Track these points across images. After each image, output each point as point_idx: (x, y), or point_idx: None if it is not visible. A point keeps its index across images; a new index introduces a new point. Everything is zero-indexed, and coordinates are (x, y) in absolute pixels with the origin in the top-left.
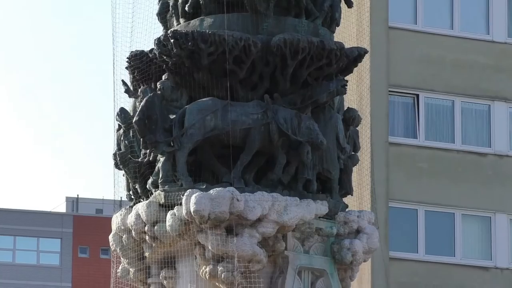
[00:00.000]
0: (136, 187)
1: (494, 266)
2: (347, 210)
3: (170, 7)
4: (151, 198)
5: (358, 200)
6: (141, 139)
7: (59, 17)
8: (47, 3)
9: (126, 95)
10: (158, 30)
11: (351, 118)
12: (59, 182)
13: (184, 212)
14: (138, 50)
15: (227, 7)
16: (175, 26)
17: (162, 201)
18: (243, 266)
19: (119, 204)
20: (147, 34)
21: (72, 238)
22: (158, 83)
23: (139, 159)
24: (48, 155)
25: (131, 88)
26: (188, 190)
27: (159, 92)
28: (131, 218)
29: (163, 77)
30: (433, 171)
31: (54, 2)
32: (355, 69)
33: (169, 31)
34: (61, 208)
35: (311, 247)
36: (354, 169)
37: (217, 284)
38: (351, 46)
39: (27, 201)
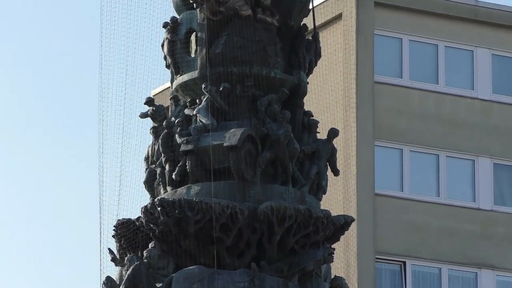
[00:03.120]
0: None
1: None
2: None
3: (157, 175)
4: None
5: None
6: None
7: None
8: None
9: (113, 263)
10: (145, 198)
11: (338, 287)
12: None
13: None
14: (125, 218)
15: (214, 175)
16: (162, 194)
17: None
18: None
19: None
20: (134, 202)
21: None
22: (144, 251)
23: None
24: None
25: (118, 256)
26: None
27: (145, 260)
28: None
29: (150, 245)
30: None
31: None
32: (342, 236)
33: (156, 199)
34: None
35: None
36: None
37: None
38: (337, 214)
39: None
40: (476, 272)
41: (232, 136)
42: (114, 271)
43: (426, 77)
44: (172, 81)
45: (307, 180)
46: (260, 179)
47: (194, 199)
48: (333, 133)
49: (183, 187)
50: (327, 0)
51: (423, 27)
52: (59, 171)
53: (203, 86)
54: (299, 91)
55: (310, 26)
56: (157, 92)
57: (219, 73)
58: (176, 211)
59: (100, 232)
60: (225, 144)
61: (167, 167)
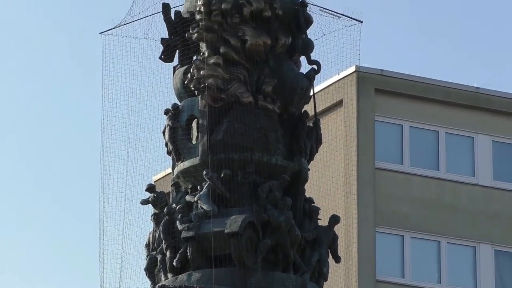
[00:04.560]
0: None
1: None
2: None
3: (158, 262)
4: None
5: None
6: None
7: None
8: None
9: None
10: (146, 285)
11: None
12: None
13: None
14: None
15: (215, 262)
16: (163, 281)
17: None
18: None
19: None
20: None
21: None
22: None
23: None
24: None
25: None
26: None
27: None
28: None
29: None
30: None
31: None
32: None
33: (157, 286)
34: None
35: None
36: None
37: None
38: None
39: None
40: None
41: (233, 222)
42: None
43: (427, 163)
44: (173, 168)
45: (309, 267)
46: (261, 266)
47: (195, 286)
48: (334, 220)
49: (184, 274)
50: (328, 86)
51: (423, 114)
52: (60, 256)
53: (204, 172)
54: (300, 177)
55: (311, 113)
56: (158, 178)
57: (220, 159)
58: None
59: None
60: (226, 231)
61: (168, 253)
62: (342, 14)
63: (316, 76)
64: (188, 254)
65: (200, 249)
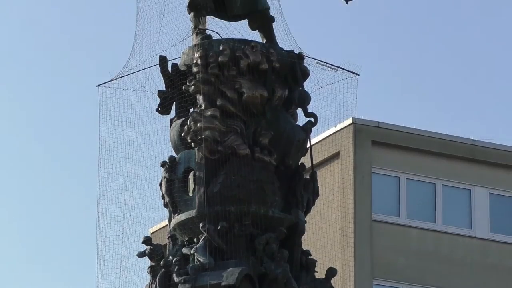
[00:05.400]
0: None
1: None
2: None
3: None
4: None
5: None
6: None
7: None
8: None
9: None
10: None
11: None
12: None
13: None
14: None
15: None
16: None
17: None
18: None
19: None
20: None
21: None
22: None
23: None
24: None
25: None
26: None
27: None
28: None
29: None
30: None
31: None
32: None
33: None
34: None
35: None
36: None
37: None
38: None
39: None
40: None
41: (230, 275)
42: None
43: (424, 215)
44: (170, 220)
45: None
46: None
47: None
48: (331, 272)
49: None
50: (325, 138)
51: (420, 166)
52: None
53: (201, 225)
54: (297, 230)
55: (308, 165)
56: (154, 231)
57: (217, 212)
58: None
59: None
60: (222, 284)
61: None
62: (339, 67)
63: (313, 128)
64: None
65: None
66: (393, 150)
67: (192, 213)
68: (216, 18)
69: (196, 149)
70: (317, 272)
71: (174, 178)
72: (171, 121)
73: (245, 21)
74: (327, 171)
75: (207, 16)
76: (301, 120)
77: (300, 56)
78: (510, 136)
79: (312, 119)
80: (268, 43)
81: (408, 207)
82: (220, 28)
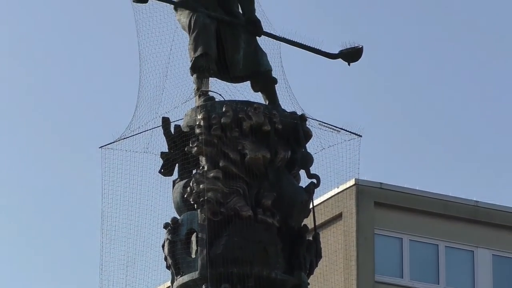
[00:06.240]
0: None
1: None
2: None
3: None
4: None
5: None
6: None
7: None
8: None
9: None
10: None
11: None
12: None
13: None
14: None
15: None
16: None
17: None
18: None
19: None
20: None
21: None
22: None
23: None
24: None
25: None
26: None
27: None
28: None
29: None
30: None
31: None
32: None
33: None
34: None
35: None
36: None
37: None
38: None
39: None
40: None
41: None
42: None
43: (426, 277)
44: (172, 282)
45: None
46: None
47: None
48: None
49: None
50: (327, 200)
51: (423, 227)
52: None
53: (203, 287)
54: None
55: (311, 226)
56: None
57: (220, 274)
58: None
59: None
60: None
61: None
62: (341, 128)
63: (315, 189)
64: None
65: None
66: (395, 211)
67: (194, 275)
68: (219, 80)
69: (198, 210)
70: None
71: (177, 239)
72: (174, 182)
73: (248, 83)
74: (330, 233)
75: (210, 78)
76: (304, 181)
77: (303, 118)
78: None
79: (315, 180)
80: (270, 105)
81: (411, 268)
82: (222, 89)
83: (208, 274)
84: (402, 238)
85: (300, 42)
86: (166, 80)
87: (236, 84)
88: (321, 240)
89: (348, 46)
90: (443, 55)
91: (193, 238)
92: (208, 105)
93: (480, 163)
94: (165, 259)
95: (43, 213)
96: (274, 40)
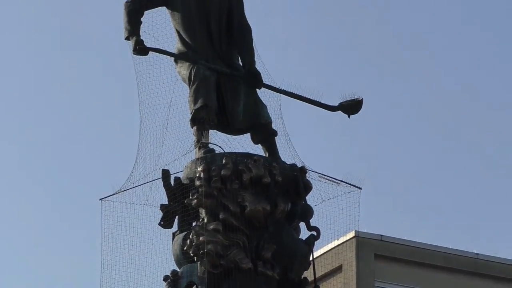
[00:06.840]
0: None
1: None
2: None
3: None
4: None
5: None
6: None
7: None
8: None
9: None
10: None
11: None
12: None
13: None
14: None
15: None
16: None
17: None
18: None
19: None
20: None
21: None
22: None
23: None
24: None
25: None
26: None
27: None
28: None
29: None
30: None
31: None
32: None
33: None
34: None
35: None
36: None
37: None
38: None
39: None
40: None
41: None
42: None
43: None
44: None
45: None
46: None
47: None
48: None
49: None
50: (327, 252)
51: (423, 279)
52: None
53: None
54: None
55: (311, 278)
56: None
57: None
58: None
59: None
60: None
61: None
62: (341, 181)
63: (315, 241)
64: None
65: None
66: (396, 263)
67: None
68: (219, 132)
69: (198, 263)
70: None
71: None
72: (174, 234)
73: (248, 135)
74: (330, 285)
75: (210, 130)
76: (304, 233)
77: (303, 170)
78: None
79: (315, 233)
80: (270, 157)
81: None
82: (222, 141)
83: None
84: None
85: (300, 94)
86: (166, 132)
87: (236, 136)
88: None
89: (348, 98)
90: (443, 103)
91: None
92: (208, 157)
93: (480, 216)
94: None
95: (43, 263)
96: (274, 92)
